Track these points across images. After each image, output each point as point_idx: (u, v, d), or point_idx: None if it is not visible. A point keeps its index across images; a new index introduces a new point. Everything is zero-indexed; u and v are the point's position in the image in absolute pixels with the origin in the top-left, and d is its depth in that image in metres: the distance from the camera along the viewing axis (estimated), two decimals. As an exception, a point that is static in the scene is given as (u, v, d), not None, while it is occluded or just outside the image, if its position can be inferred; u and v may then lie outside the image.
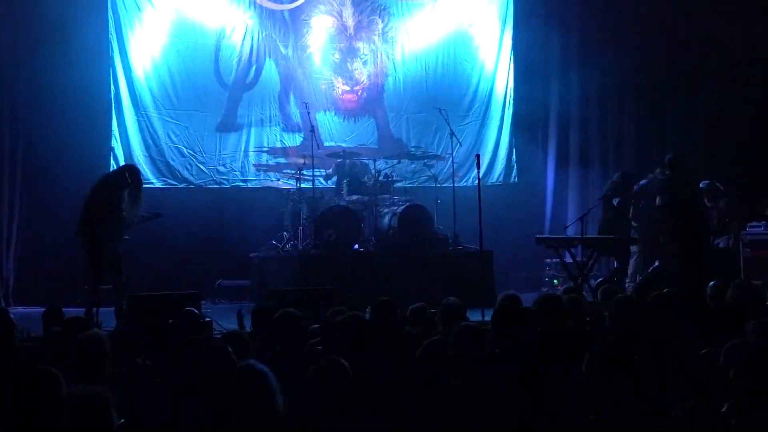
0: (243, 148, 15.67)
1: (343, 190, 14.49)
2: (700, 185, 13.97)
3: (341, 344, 5.94)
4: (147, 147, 14.99)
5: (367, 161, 15.02)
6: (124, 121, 14.94)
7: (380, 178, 14.41)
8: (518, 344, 5.75)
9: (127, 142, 14.85)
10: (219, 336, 8.80)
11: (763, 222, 15.38)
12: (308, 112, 14.71)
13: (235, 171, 15.62)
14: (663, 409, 4.73)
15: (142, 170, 13.63)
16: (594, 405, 4.16)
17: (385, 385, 5.64)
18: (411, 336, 7.16)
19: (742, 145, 17.01)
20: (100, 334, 5.72)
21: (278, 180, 15.34)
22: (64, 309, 8.91)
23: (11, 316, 7.67)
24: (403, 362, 6.24)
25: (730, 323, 6.14)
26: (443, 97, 16.39)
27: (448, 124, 15.05)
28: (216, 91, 15.59)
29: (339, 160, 14.96)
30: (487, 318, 10.34)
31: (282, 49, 15.94)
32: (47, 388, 4.52)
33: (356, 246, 13.87)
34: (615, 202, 13.73)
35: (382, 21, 16.54)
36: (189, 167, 15.29)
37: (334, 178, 14.98)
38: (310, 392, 4.60)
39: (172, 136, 15.24)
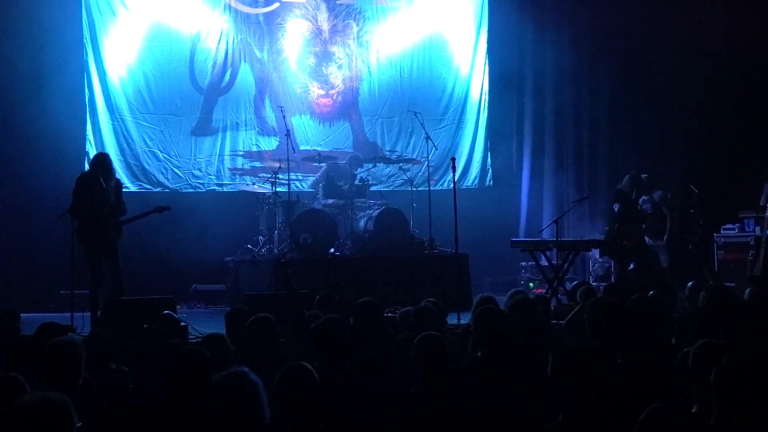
0: (218, 152, 15.63)
1: (318, 194, 14.49)
2: (655, 196, 14.23)
3: (317, 350, 5.93)
4: (122, 151, 14.93)
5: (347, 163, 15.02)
6: (98, 125, 14.87)
7: (356, 182, 14.42)
8: (499, 348, 5.76)
9: (102, 146, 14.73)
10: (196, 340, 8.81)
11: (737, 224, 15.52)
12: (283, 116, 14.72)
13: (211, 175, 15.58)
14: (633, 410, 4.77)
15: (118, 173, 13.57)
16: (561, 406, 4.17)
17: (364, 389, 5.65)
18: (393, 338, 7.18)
19: (716, 148, 17.12)
20: (75, 340, 5.66)
21: (254, 184, 15.29)
22: (38, 315, 8.86)
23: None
24: (390, 366, 6.25)
25: (703, 325, 6.17)
26: (418, 101, 16.43)
27: (424, 128, 15.09)
28: (191, 95, 15.54)
29: (324, 165, 14.94)
30: (463, 321, 10.47)
31: (257, 53, 15.92)
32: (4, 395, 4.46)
33: (332, 250, 13.88)
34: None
35: (357, 25, 16.54)
36: (164, 171, 15.25)
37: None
38: (277, 397, 4.59)
39: (147, 140, 15.18)
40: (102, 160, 11.60)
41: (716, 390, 4.08)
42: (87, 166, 14.32)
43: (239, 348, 6.36)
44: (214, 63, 15.66)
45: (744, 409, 4.01)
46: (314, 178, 15.40)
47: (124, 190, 11.90)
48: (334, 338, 5.93)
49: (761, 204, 14.63)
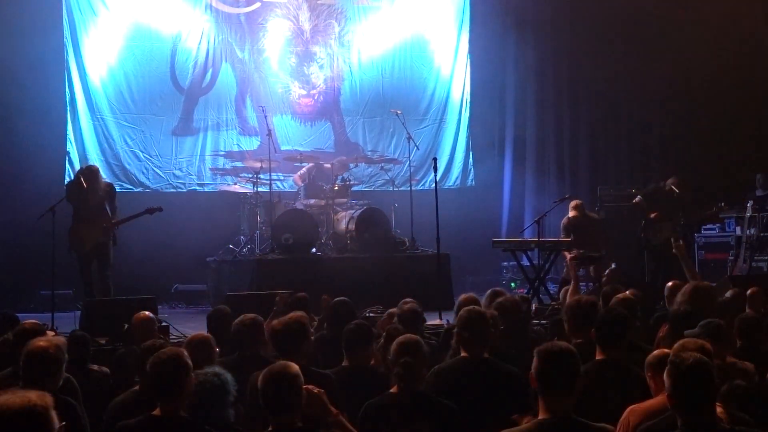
0: (199, 152, 15.60)
1: (300, 194, 14.48)
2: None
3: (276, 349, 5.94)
4: (103, 151, 14.89)
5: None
6: (79, 125, 14.82)
7: (337, 182, 14.41)
8: (483, 348, 5.78)
9: (83, 146, 14.73)
10: (177, 340, 8.79)
11: (717, 225, 15.57)
12: (265, 116, 14.71)
13: (192, 175, 15.55)
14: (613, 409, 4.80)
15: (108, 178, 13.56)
16: (543, 403, 4.19)
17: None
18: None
19: (695, 148, 17.17)
20: (53, 343, 5.58)
21: (235, 184, 15.26)
22: (19, 315, 8.80)
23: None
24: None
25: (681, 324, 6.19)
26: (400, 101, 16.41)
27: (405, 128, 15.05)
28: (172, 95, 15.51)
29: (306, 166, 14.96)
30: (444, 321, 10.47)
31: (238, 53, 15.89)
32: None
33: (313, 250, 13.86)
34: None
35: (339, 25, 16.53)
36: (145, 171, 15.22)
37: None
38: (260, 397, 4.58)
39: (128, 140, 15.14)
40: (84, 172, 11.83)
41: (668, 388, 4.13)
42: (67, 166, 14.39)
43: (222, 348, 6.35)
44: (195, 63, 15.63)
45: (694, 407, 4.05)
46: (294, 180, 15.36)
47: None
48: (294, 338, 5.92)
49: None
